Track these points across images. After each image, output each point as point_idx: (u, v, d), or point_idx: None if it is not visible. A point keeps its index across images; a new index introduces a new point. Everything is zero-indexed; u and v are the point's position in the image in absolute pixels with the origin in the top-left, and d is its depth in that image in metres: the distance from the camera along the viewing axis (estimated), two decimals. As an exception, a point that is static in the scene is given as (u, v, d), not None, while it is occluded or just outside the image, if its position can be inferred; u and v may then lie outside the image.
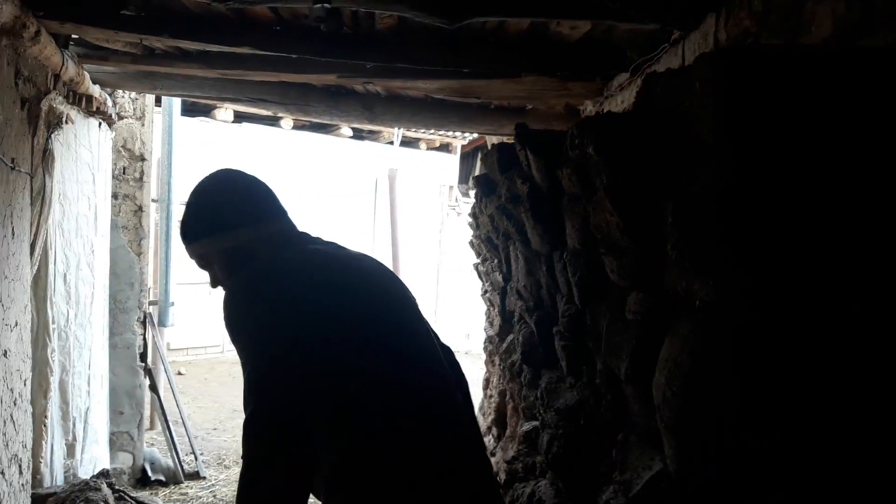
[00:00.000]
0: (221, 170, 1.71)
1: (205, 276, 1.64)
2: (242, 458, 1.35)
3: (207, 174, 1.68)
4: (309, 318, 1.41)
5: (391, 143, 12.13)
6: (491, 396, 5.12)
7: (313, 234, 1.69)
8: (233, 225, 1.57)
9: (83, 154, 4.12)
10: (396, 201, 11.43)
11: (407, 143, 12.75)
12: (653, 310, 1.64)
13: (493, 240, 3.62)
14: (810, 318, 1.24)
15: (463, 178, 10.15)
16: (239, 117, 10.03)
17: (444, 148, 13.41)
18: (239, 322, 1.43)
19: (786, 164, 1.24)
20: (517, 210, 2.73)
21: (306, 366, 1.35)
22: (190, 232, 1.62)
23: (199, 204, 1.63)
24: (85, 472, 4.42)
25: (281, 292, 1.45)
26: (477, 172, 9.51)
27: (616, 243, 1.87)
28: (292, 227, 1.65)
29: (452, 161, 12.48)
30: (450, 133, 12.26)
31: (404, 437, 1.34)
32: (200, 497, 5.62)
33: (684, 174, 1.46)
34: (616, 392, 1.94)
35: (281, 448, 1.30)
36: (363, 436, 1.33)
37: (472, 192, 4.41)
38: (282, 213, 1.66)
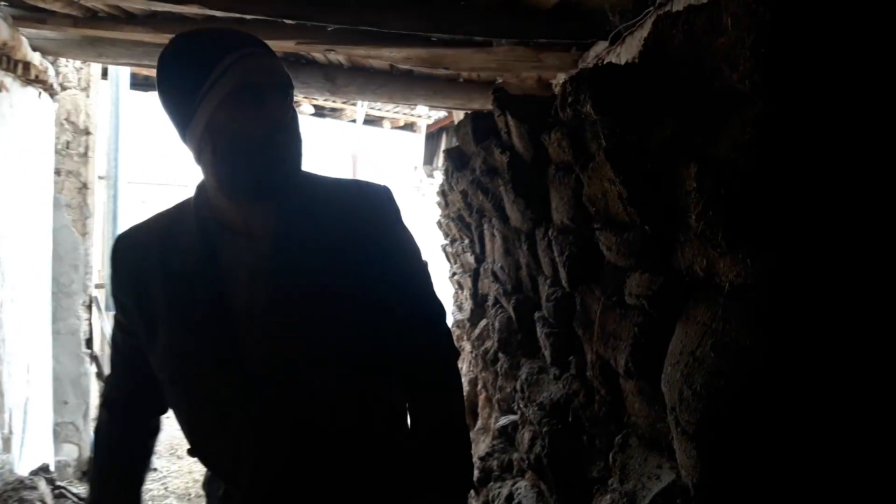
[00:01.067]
0: None
1: None
2: None
3: None
4: None
5: (354, 121, 11.75)
6: (459, 384, 4.89)
7: None
8: None
9: (18, 125, 3.76)
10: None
11: (370, 121, 12.37)
12: (661, 293, 1.41)
13: (464, 218, 3.36)
14: (869, 304, 1.02)
15: (427, 159, 9.90)
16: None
17: (409, 127, 13.05)
18: None
19: (843, 116, 1.01)
20: (494, 183, 2.48)
21: None
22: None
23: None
24: (25, 467, 4.11)
25: None
26: (444, 149, 9.26)
27: (615, 217, 1.63)
28: None
29: (417, 141, 12.17)
30: (415, 112, 11.93)
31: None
32: (150, 489, 5.34)
33: (708, 133, 1.22)
34: (612, 387, 1.70)
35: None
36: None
37: (442, 168, 4.15)
38: None
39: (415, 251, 1.28)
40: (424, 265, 1.31)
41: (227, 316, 1.12)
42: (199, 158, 1.11)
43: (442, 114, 9.36)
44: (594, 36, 3.52)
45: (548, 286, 2.08)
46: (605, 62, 2.97)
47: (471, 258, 3.38)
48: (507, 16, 3.41)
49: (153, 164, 9.62)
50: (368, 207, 1.22)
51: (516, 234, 2.38)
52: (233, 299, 1.12)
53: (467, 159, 3.13)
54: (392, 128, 12.90)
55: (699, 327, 1.28)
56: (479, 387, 3.19)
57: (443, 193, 4.28)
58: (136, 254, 1.20)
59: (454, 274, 4.88)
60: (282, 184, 1.11)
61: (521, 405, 2.20)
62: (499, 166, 2.34)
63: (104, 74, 5.68)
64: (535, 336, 2.33)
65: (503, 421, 2.44)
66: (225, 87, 1.07)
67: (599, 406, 1.77)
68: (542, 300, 2.28)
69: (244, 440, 1.14)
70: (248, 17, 3.44)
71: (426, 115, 10.95)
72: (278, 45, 4.06)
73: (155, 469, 5.72)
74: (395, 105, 12.17)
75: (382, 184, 1.28)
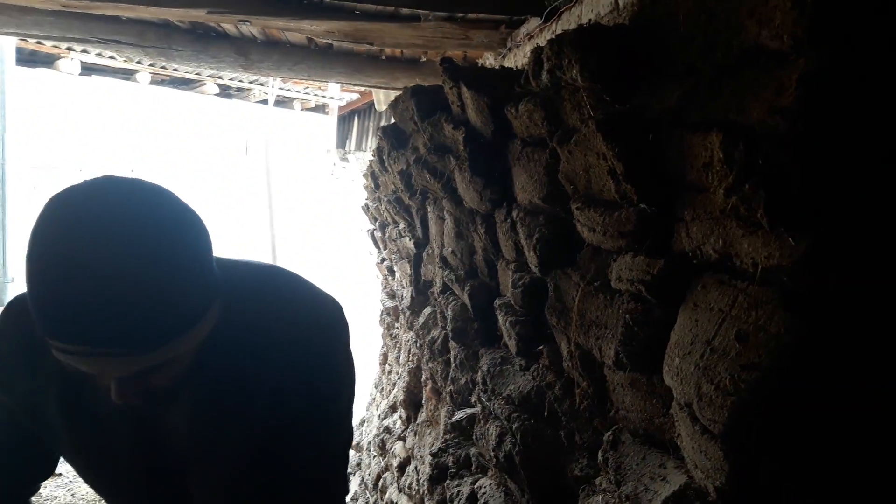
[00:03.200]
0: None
1: None
2: None
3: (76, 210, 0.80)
4: None
5: (264, 101, 11.26)
6: (391, 372, 4.72)
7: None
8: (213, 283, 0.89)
9: None
10: (271, 166, 10.66)
11: (280, 102, 11.90)
12: (663, 277, 1.28)
13: (402, 200, 3.17)
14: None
15: (340, 143, 9.66)
16: (87, 69, 8.86)
17: (321, 109, 12.65)
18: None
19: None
20: (443, 162, 2.30)
21: None
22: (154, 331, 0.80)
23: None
24: None
25: None
26: (355, 135, 9.00)
27: (598, 195, 1.49)
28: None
29: (329, 123, 11.81)
30: (326, 94, 11.55)
31: None
32: (56, 496, 5.05)
33: (729, 98, 1.09)
34: (594, 379, 1.58)
35: None
36: None
37: (373, 148, 3.94)
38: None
39: (333, 426, 1.12)
40: (342, 444, 1.17)
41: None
42: None
43: (354, 96, 9.09)
44: (527, 12, 3.40)
45: (512, 271, 1.93)
46: (538, 39, 2.85)
47: (409, 243, 3.19)
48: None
49: (45, 147, 8.89)
50: (298, 375, 1.00)
51: (471, 215, 2.22)
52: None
53: (406, 137, 2.94)
54: (303, 109, 12.46)
55: (714, 314, 1.16)
56: (424, 377, 3.03)
57: (372, 175, 4.07)
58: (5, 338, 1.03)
59: (383, 260, 4.68)
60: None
61: (483, 398, 2.06)
62: (451, 143, 2.17)
63: (-14, 48, 5.15)
64: (495, 324, 2.19)
65: (459, 415, 2.29)
66: None
67: (580, 399, 1.64)
68: (501, 286, 2.14)
69: None
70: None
71: (339, 96, 10.65)
72: (186, 14, 3.75)
73: (60, 474, 5.37)
74: (305, 86, 11.76)
75: (329, 309, 1.07)
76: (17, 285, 5.56)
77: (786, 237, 0.97)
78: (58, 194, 0.80)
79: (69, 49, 7.85)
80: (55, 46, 7.52)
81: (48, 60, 8.39)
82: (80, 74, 8.78)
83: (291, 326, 1.01)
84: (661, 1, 1.25)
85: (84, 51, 7.72)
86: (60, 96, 8.59)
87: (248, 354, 0.97)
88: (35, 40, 4.79)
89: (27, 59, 8.07)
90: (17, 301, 1.03)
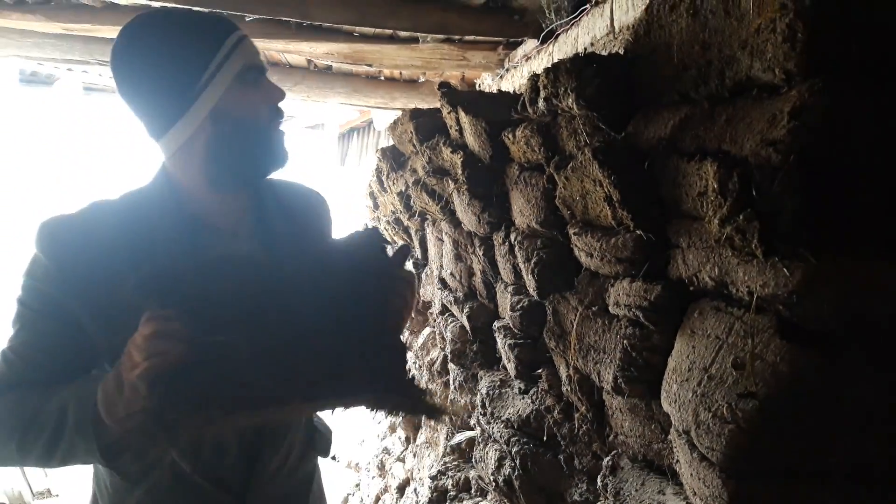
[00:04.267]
0: None
1: None
2: None
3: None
4: None
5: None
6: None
7: None
8: None
9: None
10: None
11: (279, 120, 11.95)
12: (660, 303, 1.29)
13: (402, 221, 3.19)
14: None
15: (340, 160, 9.70)
16: (88, 89, 8.90)
17: (318, 127, 12.71)
18: None
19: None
20: (442, 185, 2.32)
21: None
22: None
23: None
24: None
25: None
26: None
27: (595, 220, 1.50)
28: None
29: (327, 141, 11.85)
30: (325, 113, 11.59)
31: None
32: None
33: (722, 129, 1.10)
34: (594, 404, 1.58)
35: None
36: None
37: (373, 169, 3.95)
38: None
39: None
40: None
41: None
42: (188, 148, 1.03)
43: (354, 114, 9.12)
44: (524, 34, 3.43)
45: (510, 294, 1.94)
46: (535, 61, 2.87)
47: (408, 263, 3.20)
48: (437, 10, 3.28)
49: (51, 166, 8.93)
50: (318, 208, 1.27)
51: (469, 238, 2.23)
52: None
53: (405, 160, 2.95)
54: (302, 127, 12.51)
55: (711, 341, 1.16)
56: (423, 399, 3.02)
57: (371, 195, 4.08)
58: (83, 244, 1.00)
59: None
60: (279, 166, 1.09)
61: (483, 421, 2.06)
62: (449, 167, 2.18)
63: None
64: (493, 347, 2.19)
65: (459, 437, 2.28)
66: (232, 69, 1.01)
67: (579, 423, 1.64)
68: (500, 309, 2.14)
69: None
70: (156, 3, 3.16)
71: (337, 115, 10.69)
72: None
73: (56, 496, 5.37)
74: (303, 104, 11.83)
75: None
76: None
77: (780, 267, 0.98)
78: None
79: (69, 70, 7.90)
80: (56, 67, 7.56)
81: (49, 81, 8.42)
82: (83, 94, 8.81)
83: (298, 183, 1.29)
84: (656, 31, 1.26)
85: (84, 71, 7.75)
86: (62, 113, 8.63)
87: (287, 197, 1.20)
88: (37, 61, 4.81)
89: (28, 78, 8.11)
90: (58, 224, 1.02)
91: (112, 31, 3.77)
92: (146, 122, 1.05)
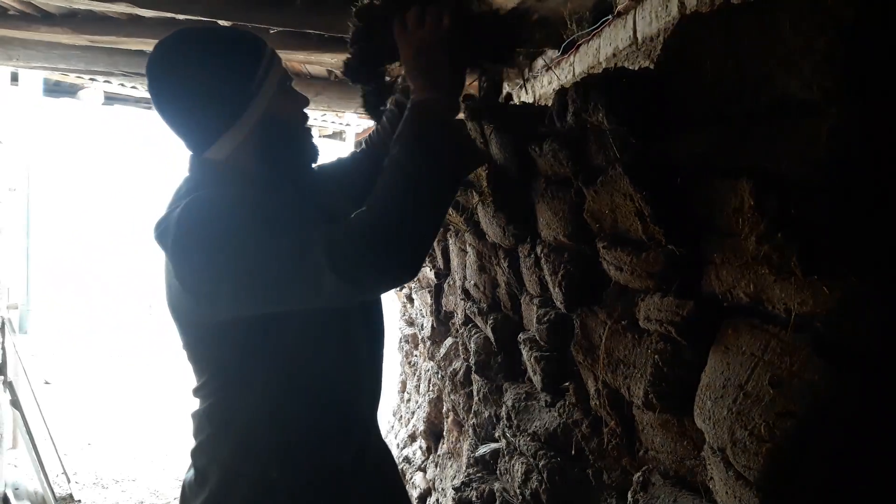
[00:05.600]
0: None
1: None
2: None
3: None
4: None
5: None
6: (410, 401, 4.70)
7: None
8: None
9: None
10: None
11: (297, 129, 12.00)
12: (693, 318, 1.28)
13: (423, 231, 3.19)
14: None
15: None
16: (110, 99, 9.02)
17: (338, 136, 12.79)
18: None
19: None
20: (466, 197, 2.32)
21: None
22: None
23: None
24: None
25: None
26: None
27: (626, 234, 1.50)
28: None
29: (346, 150, 11.91)
30: (343, 121, 11.66)
31: None
32: None
33: (758, 146, 1.10)
34: (623, 418, 1.58)
35: None
36: None
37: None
38: None
39: None
40: None
41: None
42: (237, 153, 1.15)
43: (370, 122, 9.15)
44: (544, 45, 3.42)
45: (536, 306, 1.94)
46: (556, 71, 2.86)
47: (430, 273, 3.21)
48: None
49: (73, 177, 9.03)
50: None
51: (494, 249, 2.23)
52: None
53: (427, 170, 2.96)
54: (320, 136, 12.59)
55: (746, 358, 1.16)
56: (446, 409, 3.02)
57: (392, 204, 4.09)
58: None
59: (402, 288, 4.68)
60: (315, 160, 1.34)
61: (508, 434, 2.05)
62: (473, 179, 2.19)
63: (14, 79, 5.27)
64: (518, 359, 2.19)
65: (483, 449, 2.28)
66: (276, 77, 1.16)
67: (608, 438, 1.63)
68: (524, 320, 2.14)
69: (366, 376, 1.34)
70: (181, 16, 3.19)
71: (355, 123, 10.74)
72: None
73: (78, 501, 5.42)
74: (322, 113, 11.89)
75: None
76: (37, 314, 5.59)
77: (819, 286, 0.97)
78: None
79: (92, 80, 8.01)
80: (79, 77, 7.67)
81: (72, 91, 8.54)
82: (104, 104, 8.93)
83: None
84: (688, 47, 1.26)
85: (107, 81, 7.86)
86: (84, 124, 8.74)
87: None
88: (62, 72, 4.89)
89: (52, 89, 8.22)
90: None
91: (136, 44, 3.81)
92: (194, 132, 1.17)
